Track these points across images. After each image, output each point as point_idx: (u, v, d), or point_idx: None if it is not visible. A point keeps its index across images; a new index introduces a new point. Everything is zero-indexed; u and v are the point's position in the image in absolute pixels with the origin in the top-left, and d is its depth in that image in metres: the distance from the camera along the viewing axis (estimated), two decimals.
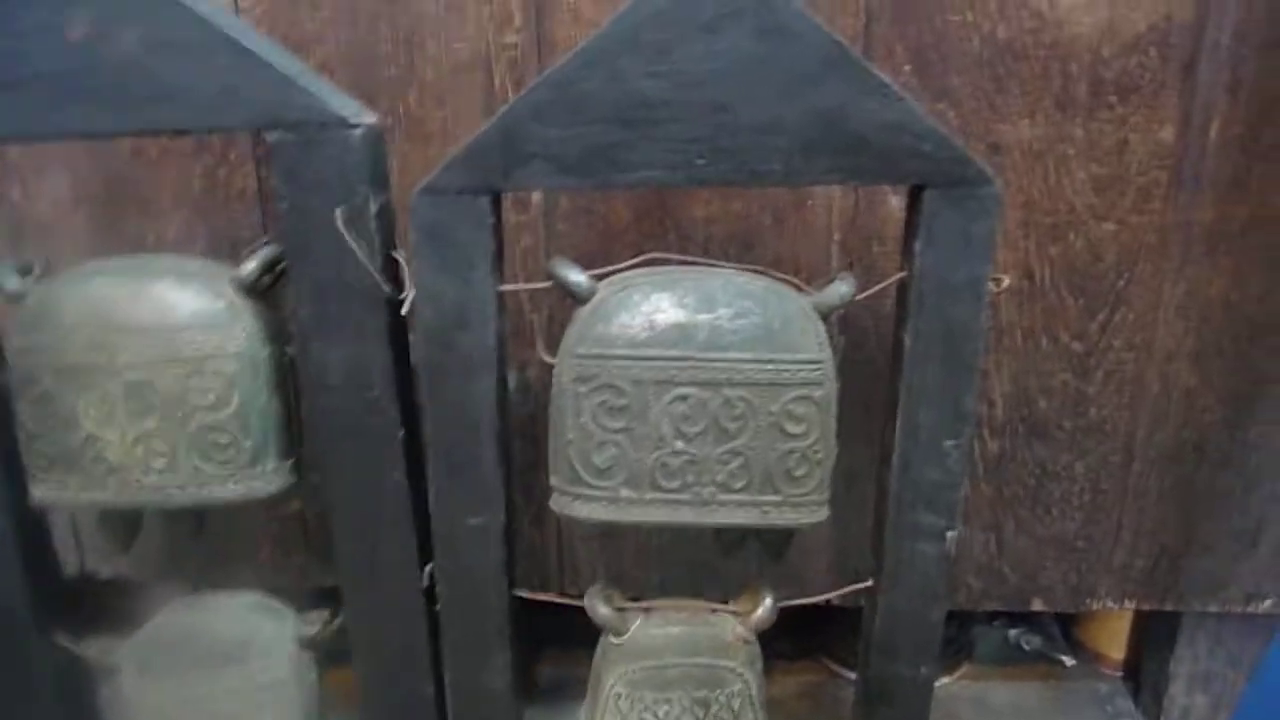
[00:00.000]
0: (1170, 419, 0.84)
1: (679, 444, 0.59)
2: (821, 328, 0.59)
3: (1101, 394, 0.84)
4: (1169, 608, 0.92)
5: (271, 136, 0.58)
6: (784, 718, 1.04)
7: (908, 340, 0.61)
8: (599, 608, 0.67)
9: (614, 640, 0.67)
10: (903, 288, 0.62)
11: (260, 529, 0.96)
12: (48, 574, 0.72)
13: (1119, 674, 1.11)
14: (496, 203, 0.58)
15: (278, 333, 0.65)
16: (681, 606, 0.69)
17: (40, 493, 0.64)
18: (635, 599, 0.71)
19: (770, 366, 0.58)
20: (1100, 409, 0.84)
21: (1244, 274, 0.80)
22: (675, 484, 0.60)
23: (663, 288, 0.58)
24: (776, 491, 0.60)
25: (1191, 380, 0.83)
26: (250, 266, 0.63)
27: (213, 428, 0.62)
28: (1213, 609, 0.91)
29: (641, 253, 0.65)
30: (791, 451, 0.59)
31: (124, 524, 0.69)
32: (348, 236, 0.58)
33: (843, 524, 0.88)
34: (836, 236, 0.81)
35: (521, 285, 0.62)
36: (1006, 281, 0.61)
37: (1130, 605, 0.91)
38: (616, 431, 0.59)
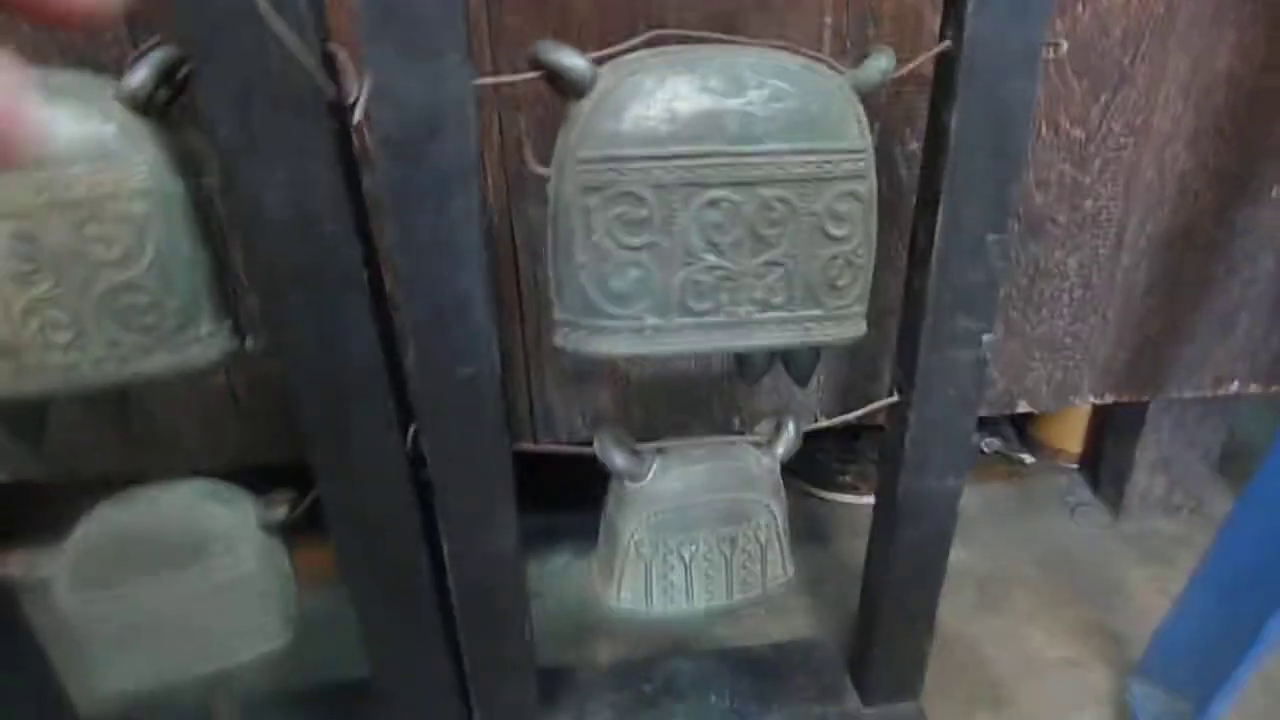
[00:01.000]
0: (1163, 205, 0.81)
1: (711, 258, 0.50)
2: (862, 110, 0.51)
3: (1098, 183, 0.79)
4: (1146, 399, 0.93)
5: None
6: None
7: (953, 123, 0.53)
8: (612, 453, 0.60)
9: (631, 485, 0.60)
10: (945, 62, 0.53)
11: (180, 408, 0.83)
12: None
13: (1075, 466, 1.15)
14: None
15: (188, 162, 0.51)
16: (699, 442, 0.62)
17: None
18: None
19: (812, 158, 0.49)
20: (1095, 200, 0.80)
21: (1249, 44, 0.75)
22: (707, 305, 0.51)
23: (681, 69, 0.48)
24: (819, 304, 0.53)
25: (1187, 163, 0.79)
26: (140, 74, 0.49)
27: (126, 287, 0.49)
28: (1187, 394, 0.92)
29: (608, 46, 0.53)
30: (835, 258, 0.52)
31: (28, 418, 0.56)
32: (272, 22, 0.45)
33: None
34: (828, 20, 0.71)
35: (502, 78, 0.49)
36: (1065, 45, 0.53)
37: (1109, 399, 0.92)
38: (638, 249, 0.49)
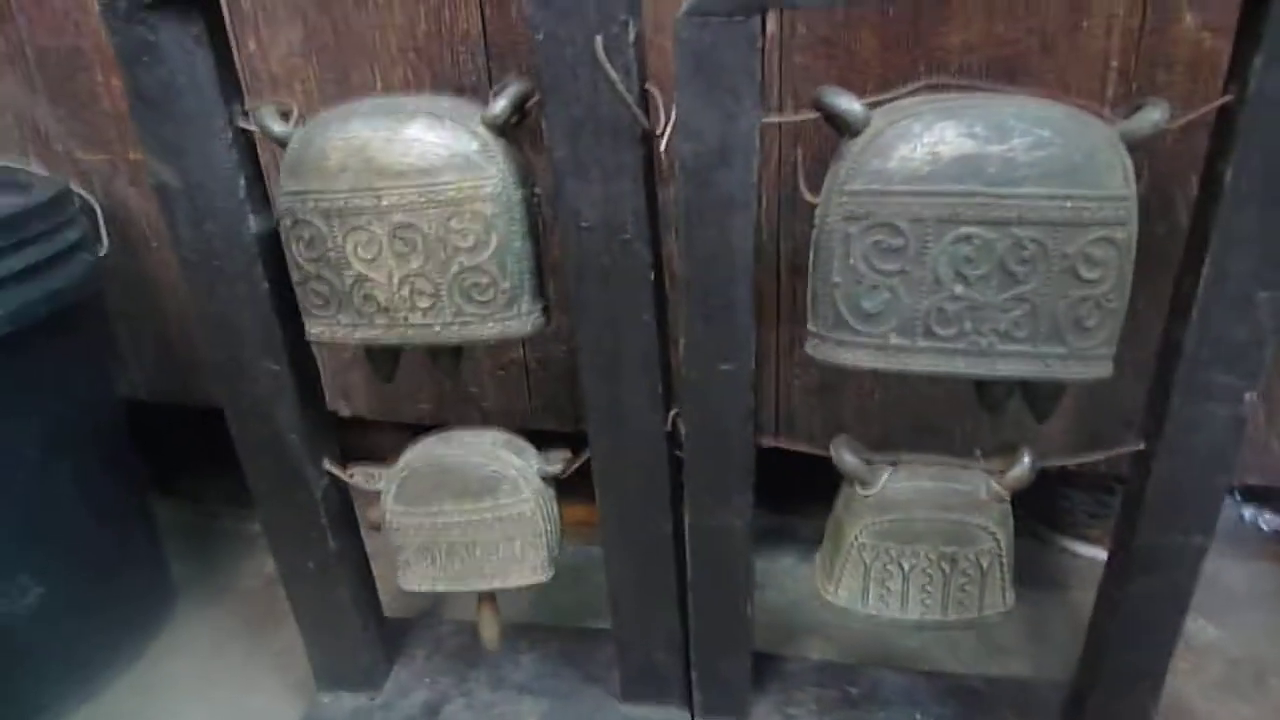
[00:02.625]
0: None
1: (958, 288, 0.55)
2: (1129, 160, 0.53)
3: None
4: None
5: None
6: None
7: (1229, 174, 0.53)
8: (847, 457, 0.65)
9: (861, 491, 0.66)
10: (1225, 114, 0.54)
11: (485, 374, 1.00)
12: (317, 408, 0.77)
13: None
14: (763, 25, 0.54)
15: (525, 173, 0.64)
16: (932, 461, 0.66)
17: (316, 330, 0.68)
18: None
19: (1070, 204, 0.52)
20: None
21: None
22: (951, 331, 0.56)
23: (948, 115, 0.53)
24: (1062, 342, 0.55)
25: None
26: (501, 104, 0.62)
27: (473, 269, 0.63)
28: None
29: (887, 88, 0.59)
30: (1085, 299, 0.54)
31: (388, 358, 0.73)
32: (607, 67, 0.56)
33: (1085, 388, 0.83)
34: (1115, 63, 0.72)
35: (787, 117, 0.57)
36: None
37: None
38: (890, 274, 0.55)
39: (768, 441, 0.68)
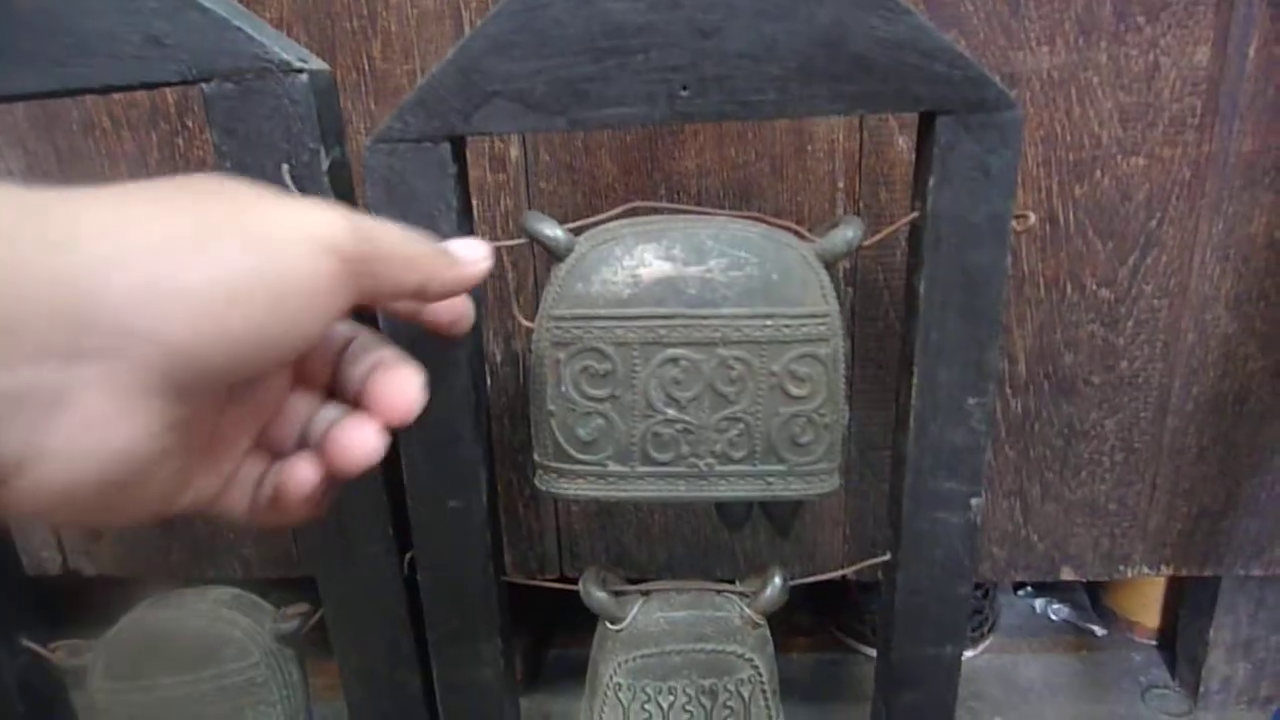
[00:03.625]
0: (1208, 369, 0.78)
1: (671, 411, 0.53)
2: (826, 277, 0.53)
3: (1132, 345, 0.78)
4: (1208, 573, 0.86)
5: (207, 89, 0.52)
6: (799, 697, 0.99)
7: (922, 288, 0.55)
8: (594, 592, 0.62)
9: (611, 627, 0.62)
10: (915, 230, 0.56)
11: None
12: (9, 573, 0.67)
13: (1153, 643, 1.06)
14: (459, 151, 0.53)
15: None
16: (684, 588, 0.63)
17: None
18: (637, 580, 0.66)
19: (769, 323, 0.52)
20: (1132, 361, 0.78)
21: None
22: (668, 455, 0.54)
23: (647, 239, 0.52)
24: (781, 460, 0.54)
25: (1230, 327, 0.77)
26: None
27: None
28: (1256, 572, 0.85)
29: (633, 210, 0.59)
30: (796, 415, 0.54)
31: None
32: (294, 193, 0.53)
33: (859, 494, 0.83)
34: (841, 184, 0.75)
35: (497, 243, 0.56)
36: (1033, 219, 0.55)
37: (1167, 572, 0.86)
38: (601, 400, 0.53)
39: (514, 578, 0.64)
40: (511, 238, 0.75)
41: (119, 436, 0.26)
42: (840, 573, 0.64)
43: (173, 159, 0.80)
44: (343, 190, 0.56)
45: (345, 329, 0.39)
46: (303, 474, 0.34)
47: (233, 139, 0.53)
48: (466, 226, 0.55)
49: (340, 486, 0.36)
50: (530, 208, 0.76)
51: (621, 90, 0.49)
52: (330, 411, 0.37)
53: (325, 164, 0.53)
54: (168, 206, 0.28)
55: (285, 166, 0.52)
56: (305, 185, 0.53)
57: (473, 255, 0.40)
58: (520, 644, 1.04)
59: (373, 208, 0.53)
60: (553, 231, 0.53)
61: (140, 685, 0.65)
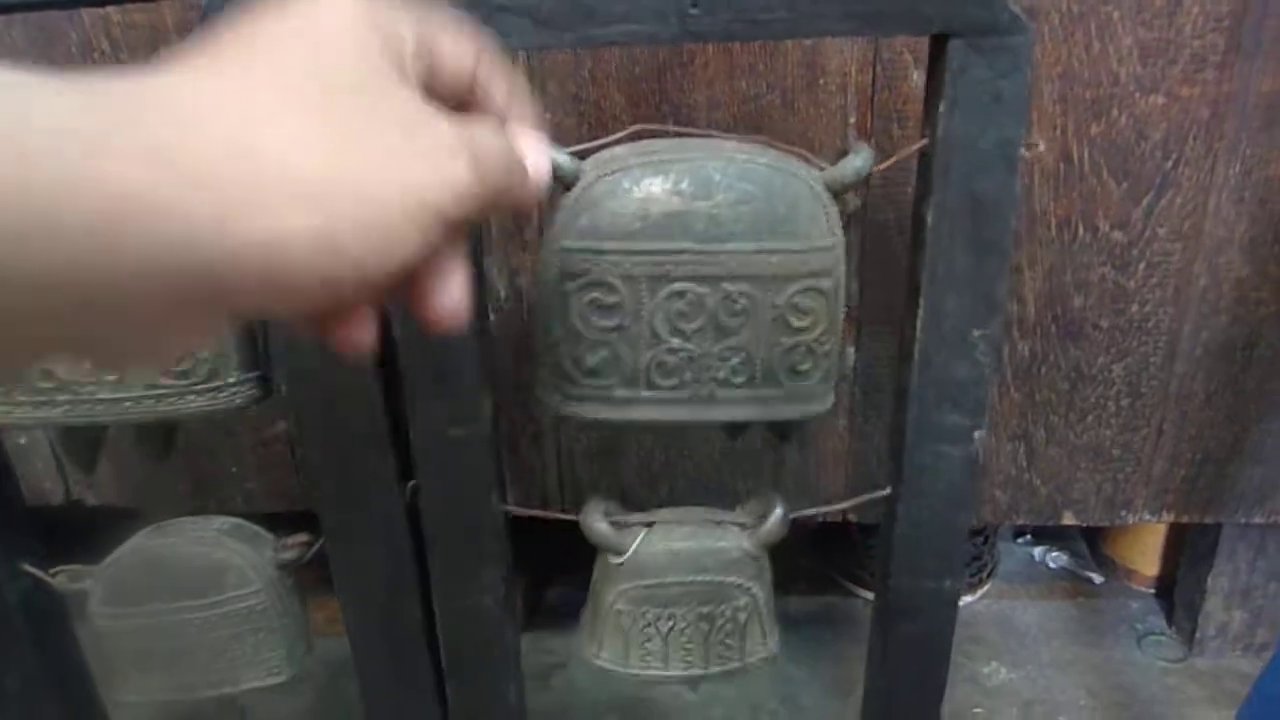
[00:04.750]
0: (1219, 314, 0.77)
1: (676, 341, 0.53)
2: (834, 208, 0.53)
3: (1143, 288, 0.77)
4: (1210, 520, 0.86)
5: (206, 4, 0.51)
6: (801, 639, 1.00)
7: (930, 217, 0.54)
8: (596, 525, 0.62)
9: (613, 559, 0.62)
10: (924, 159, 0.55)
11: (246, 451, 0.91)
12: (9, 500, 0.67)
13: (1151, 590, 1.06)
14: None
15: None
16: (685, 519, 0.63)
17: None
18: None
19: (775, 258, 0.51)
20: (1142, 305, 0.77)
21: None
22: (672, 381, 0.54)
23: (655, 170, 0.51)
24: (779, 385, 0.55)
25: (1244, 271, 0.76)
26: None
27: None
28: (1258, 520, 0.85)
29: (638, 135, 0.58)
30: (796, 346, 0.53)
31: (85, 444, 0.65)
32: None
33: (862, 435, 0.83)
34: (852, 119, 0.73)
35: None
36: (1042, 146, 0.54)
37: (1169, 518, 0.86)
38: (608, 330, 0.53)
39: (515, 509, 0.64)
40: None
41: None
42: (838, 507, 0.64)
43: None
44: None
45: (465, 59, 0.30)
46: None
47: None
48: None
49: None
50: None
51: (630, 7, 0.48)
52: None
53: None
54: (297, 101, 0.24)
55: None
56: None
57: (542, 172, 0.34)
58: (520, 583, 1.05)
59: None
60: (558, 157, 0.52)
61: (141, 611, 0.66)
